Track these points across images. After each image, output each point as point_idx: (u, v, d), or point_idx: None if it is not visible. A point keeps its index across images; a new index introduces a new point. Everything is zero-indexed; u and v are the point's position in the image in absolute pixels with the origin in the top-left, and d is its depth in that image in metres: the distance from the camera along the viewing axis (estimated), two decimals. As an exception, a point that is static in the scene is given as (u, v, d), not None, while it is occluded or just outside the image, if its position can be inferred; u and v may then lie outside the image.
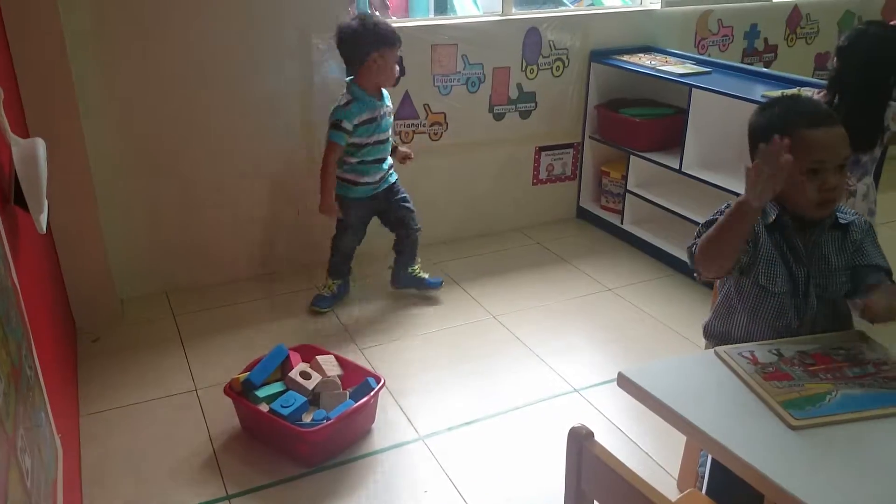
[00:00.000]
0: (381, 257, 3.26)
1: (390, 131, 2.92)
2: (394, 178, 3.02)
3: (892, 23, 2.55)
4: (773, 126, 1.57)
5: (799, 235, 1.60)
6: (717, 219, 1.58)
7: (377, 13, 4.07)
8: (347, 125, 2.75)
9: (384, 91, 2.89)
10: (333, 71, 3.12)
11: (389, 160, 2.98)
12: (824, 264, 1.60)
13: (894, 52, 2.35)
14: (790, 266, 1.59)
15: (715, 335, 1.75)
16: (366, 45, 2.72)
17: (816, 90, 2.83)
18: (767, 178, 1.41)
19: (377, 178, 2.92)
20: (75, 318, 2.86)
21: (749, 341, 1.58)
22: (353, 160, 2.85)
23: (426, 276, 3.15)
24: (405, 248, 3.08)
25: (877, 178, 2.62)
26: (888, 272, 1.58)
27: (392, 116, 2.93)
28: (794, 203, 1.57)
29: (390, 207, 3.01)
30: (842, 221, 1.61)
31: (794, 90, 2.96)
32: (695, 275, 1.65)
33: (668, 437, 2.06)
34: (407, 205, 3.04)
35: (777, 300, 1.60)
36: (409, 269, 3.12)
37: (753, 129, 1.66)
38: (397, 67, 2.84)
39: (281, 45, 3.02)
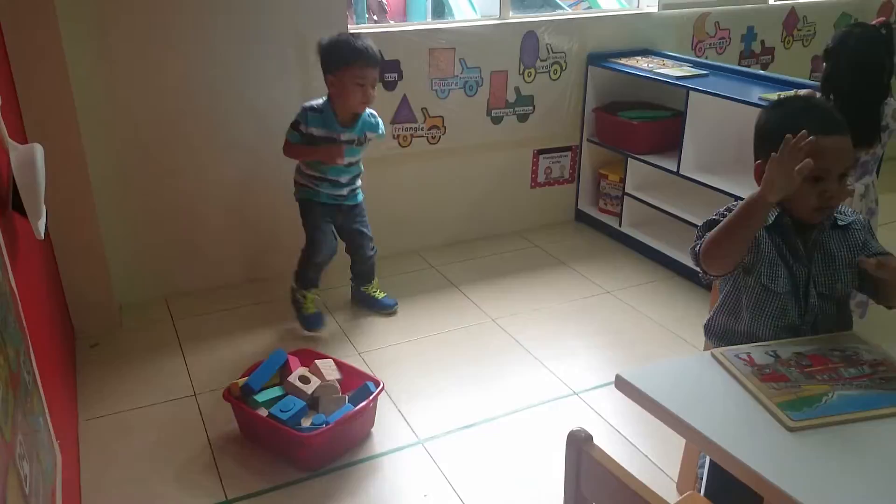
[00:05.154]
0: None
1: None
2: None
3: (873, 22, 2.55)
4: (784, 127, 1.57)
5: (799, 236, 1.60)
6: (717, 219, 1.58)
7: (375, 17, 4.09)
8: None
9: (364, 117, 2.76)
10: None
11: None
12: (829, 262, 1.60)
13: (880, 51, 2.37)
14: (790, 266, 1.60)
15: (717, 332, 1.75)
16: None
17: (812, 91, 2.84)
18: (788, 172, 1.40)
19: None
20: (74, 324, 2.85)
21: (751, 340, 1.59)
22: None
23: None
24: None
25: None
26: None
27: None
28: (792, 206, 1.58)
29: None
30: (840, 223, 1.62)
31: (792, 92, 2.96)
32: (700, 275, 1.65)
33: (667, 440, 2.06)
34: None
35: (779, 300, 1.61)
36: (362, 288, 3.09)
37: (762, 127, 1.64)
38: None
39: (279, 51, 3.03)
